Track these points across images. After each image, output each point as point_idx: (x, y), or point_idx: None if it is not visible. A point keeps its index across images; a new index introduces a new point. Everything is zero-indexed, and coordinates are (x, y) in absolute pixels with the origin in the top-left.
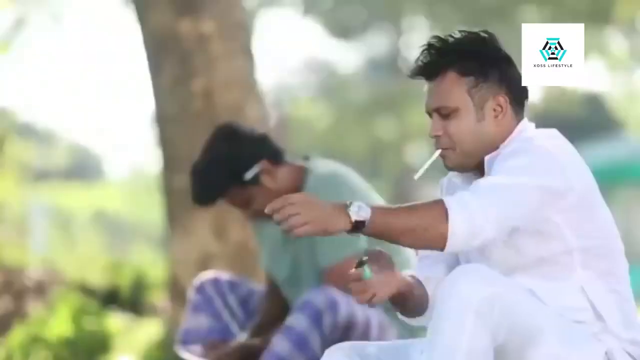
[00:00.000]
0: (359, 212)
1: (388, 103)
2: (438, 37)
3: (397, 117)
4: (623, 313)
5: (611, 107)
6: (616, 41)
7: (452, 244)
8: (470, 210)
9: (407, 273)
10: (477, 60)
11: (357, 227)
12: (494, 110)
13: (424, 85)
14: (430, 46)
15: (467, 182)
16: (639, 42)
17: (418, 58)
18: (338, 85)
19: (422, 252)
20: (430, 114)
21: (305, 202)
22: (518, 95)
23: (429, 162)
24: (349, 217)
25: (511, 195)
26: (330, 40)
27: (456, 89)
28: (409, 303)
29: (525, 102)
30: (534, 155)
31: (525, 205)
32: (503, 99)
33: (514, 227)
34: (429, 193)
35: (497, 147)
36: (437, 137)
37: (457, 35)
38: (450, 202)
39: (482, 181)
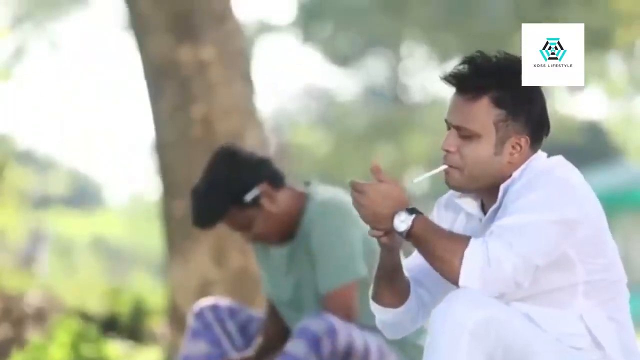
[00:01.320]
0: (400, 224)
1: (387, 130)
2: (483, 55)
3: (396, 144)
4: (622, 341)
5: (610, 133)
6: (615, 67)
7: (467, 284)
8: (490, 255)
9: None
10: (514, 95)
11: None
12: (513, 147)
13: (422, 114)
14: (472, 61)
15: (468, 205)
16: (638, 69)
17: (457, 67)
18: (337, 112)
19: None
20: (448, 124)
21: (375, 198)
22: (539, 134)
23: (432, 172)
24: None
25: (534, 234)
26: (330, 67)
27: (485, 116)
28: (398, 277)
29: (545, 138)
30: (551, 187)
31: (548, 241)
32: (525, 140)
33: (539, 265)
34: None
35: (504, 176)
36: (447, 152)
37: (501, 57)
38: (472, 243)
39: (503, 222)
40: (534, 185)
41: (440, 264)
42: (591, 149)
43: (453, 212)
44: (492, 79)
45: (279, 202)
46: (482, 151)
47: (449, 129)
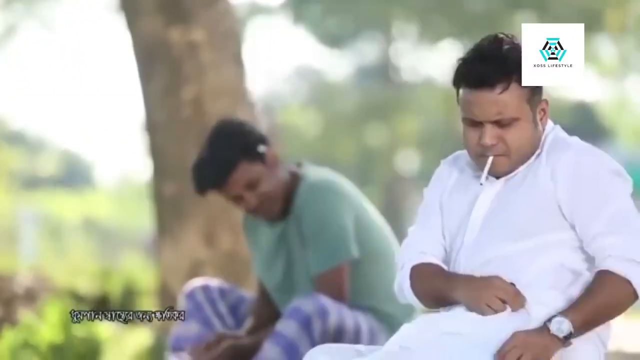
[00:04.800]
0: (560, 328)
1: (378, 111)
2: (489, 46)
3: (387, 125)
4: None
5: (601, 115)
6: (606, 49)
7: None
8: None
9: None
10: None
11: (567, 338)
12: (539, 114)
13: (413, 95)
14: (486, 55)
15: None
16: (629, 50)
17: (474, 67)
18: (328, 93)
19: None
20: (475, 122)
21: (523, 342)
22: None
23: (487, 168)
24: (557, 337)
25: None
26: (321, 48)
27: (519, 100)
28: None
29: None
30: (610, 164)
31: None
32: (545, 103)
33: None
34: (418, 200)
35: (540, 143)
36: (491, 145)
37: (499, 38)
38: (621, 267)
39: (614, 217)
40: (594, 170)
41: (620, 307)
42: (582, 130)
43: (450, 167)
44: (512, 65)
45: (282, 170)
46: (525, 131)
47: (472, 125)
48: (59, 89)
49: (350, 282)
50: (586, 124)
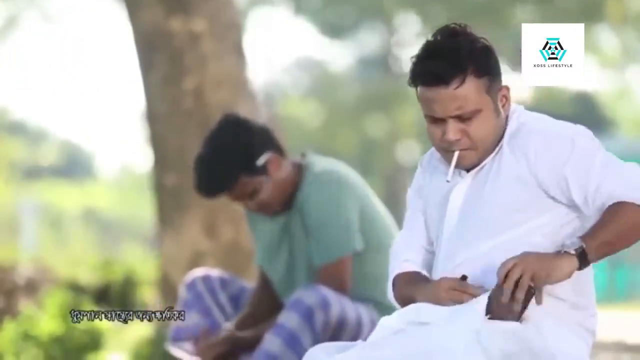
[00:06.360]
0: (573, 242)
1: (379, 101)
2: (441, 41)
3: (388, 116)
4: None
5: (602, 105)
6: (607, 39)
7: None
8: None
9: (412, 268)
10: (485, 60)
11: (582, 259)
12: (501, 100)
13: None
14: (440, 52)
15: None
16: (630, 40)
17: (427, 65)
18: (329, 84)
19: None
20: (437, 119)
21: (525, 260)
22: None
23: (453, 164)
24: (569, 253)
25: (615, 161)
26: (322, 39)
27: (477, 92)
28: None
29: None
30: (574, 128)
31: None
32: (506, 89)
33: None
34: None
35: (503, 130)
36: (455, 140)
37: (452, 31)
38: (630, 195)
39: (603, 169)
40: (567, 137)
41: (636, 230)
42: (582, 120)
43: (423, 168)
44: (466, 58)
45: (284, 171)
46: (487, 122)
47: (434, 122)
48: (60, 79)
49: (353, 273)
50: (587, 114)
